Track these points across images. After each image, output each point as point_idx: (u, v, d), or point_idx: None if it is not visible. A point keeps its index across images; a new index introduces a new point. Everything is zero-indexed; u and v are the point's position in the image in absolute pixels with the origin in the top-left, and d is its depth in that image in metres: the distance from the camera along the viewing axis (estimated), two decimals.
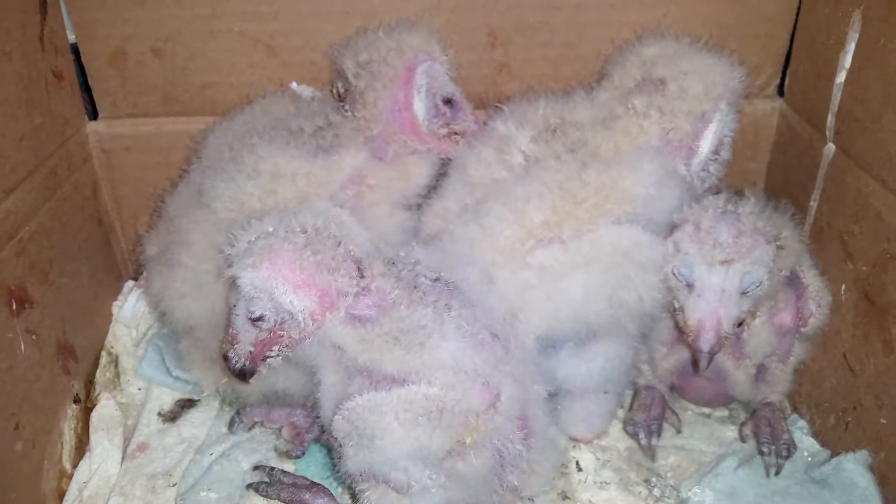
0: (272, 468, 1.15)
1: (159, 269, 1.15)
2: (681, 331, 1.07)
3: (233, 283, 0.89)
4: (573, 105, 1.11)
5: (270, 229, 0.89)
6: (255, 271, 0.86)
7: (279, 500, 1.12)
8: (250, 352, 0.91)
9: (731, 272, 1.01)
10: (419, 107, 1.10)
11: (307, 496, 1.09)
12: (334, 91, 1.16)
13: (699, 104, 1.06)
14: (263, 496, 1.12)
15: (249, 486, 1.14)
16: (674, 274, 1.04)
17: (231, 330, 0.92)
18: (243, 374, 0.93)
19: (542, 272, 0.99)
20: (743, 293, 1.03)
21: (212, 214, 1.06)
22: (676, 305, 1.06)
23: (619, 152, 1.05)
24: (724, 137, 1.10)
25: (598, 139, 1.05)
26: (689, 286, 1.03)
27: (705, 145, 1.07)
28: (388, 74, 1.09)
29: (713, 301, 1.02)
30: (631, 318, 1.04)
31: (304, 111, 1.17)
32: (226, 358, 0.93)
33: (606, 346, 1.10)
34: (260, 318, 0.88)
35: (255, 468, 1.17)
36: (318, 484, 1.11)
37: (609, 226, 0.99)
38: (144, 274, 1.34)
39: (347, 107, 1.12)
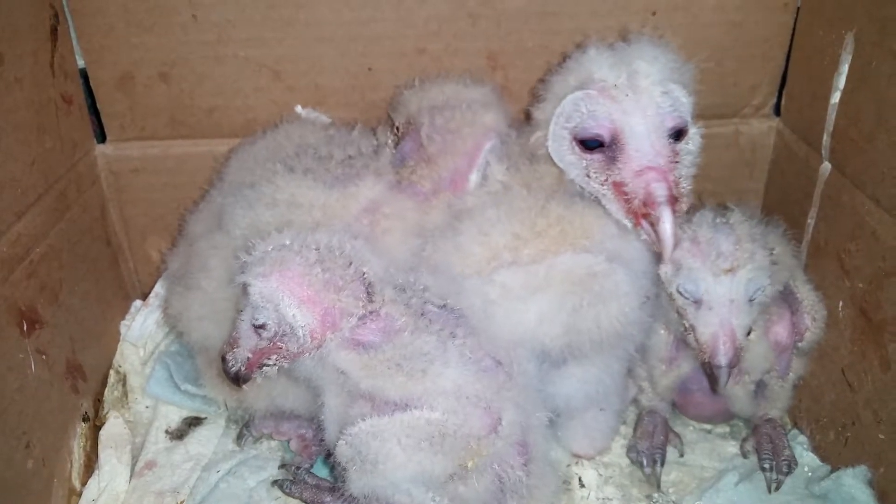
0: (298, 467, 1.17)
1: (179, 291, 1.17)
2: (695, 349, 1.07)
3: (243, 289, 0.90)
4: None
5: (287, 242, 0.91)
6: (265, 281, 0.87)
7: (301, 499, 1.14)
8: (248, 357, 0.92)
9: (737, 280, 1.02)
10: (475, 178, 1.11)
11: (328, 499, 1.11)
12: (393, 129, 1.18)
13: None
14: (287, 494, 1.15)
15: (274, 482, 1.17)
16: (679, 293, 1.05)
17: (234, 333, 0.93)
18: (237, 379, 0.94)
19: (504, 290, 0.99)
20: (750, 300, 1.04)
21: (231, 241, 1.08)
22: (686, 325, 1.07)
23: (561, 181, 1.03)
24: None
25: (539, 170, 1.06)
26: (697, 302, 1.04)
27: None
28: (460, 148, 1.11)
29: (724, 312, 1.03)
30: (591, 346, 1.01)
31: (337, 139, 1.18)
32: (223, 360, 0.94)
33: (582, 369, 1.10)
34: (262, 327, 0.89)
35: (282, 466, 1.21)
36: (341, 489, 1.12)
37: (567, 254, 0.99)
38: (158, 291, 1.40)
39: (412, 163, 1.13)
